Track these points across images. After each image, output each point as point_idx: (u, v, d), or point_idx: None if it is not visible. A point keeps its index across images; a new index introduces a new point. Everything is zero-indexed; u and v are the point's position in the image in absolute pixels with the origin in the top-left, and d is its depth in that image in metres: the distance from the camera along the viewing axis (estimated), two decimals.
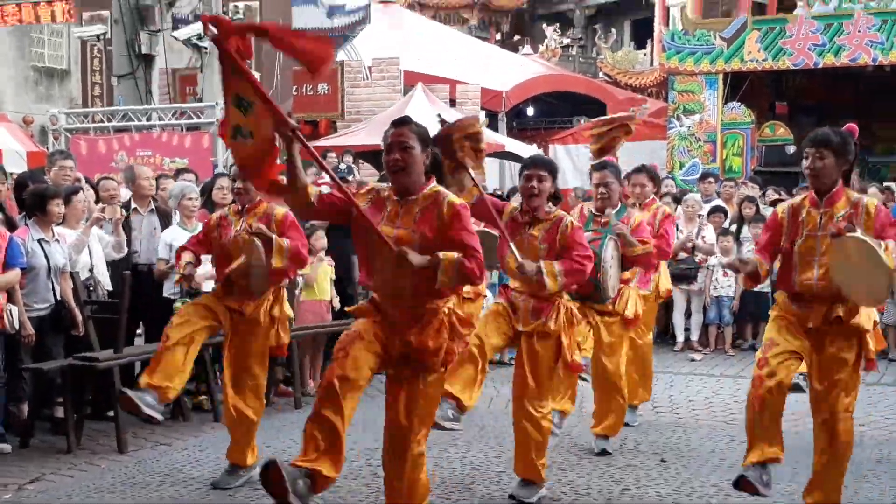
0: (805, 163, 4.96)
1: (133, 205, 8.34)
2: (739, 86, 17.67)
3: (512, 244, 5.36)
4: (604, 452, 6.58)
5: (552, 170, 5.66)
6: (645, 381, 7.64)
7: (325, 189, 4.41)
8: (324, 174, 4.91)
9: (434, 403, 4.59)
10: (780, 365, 4.86)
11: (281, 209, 6.02)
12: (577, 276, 5.41)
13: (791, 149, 17.68)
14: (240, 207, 6.16)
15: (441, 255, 4.21)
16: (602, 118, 8.12)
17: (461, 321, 4.47)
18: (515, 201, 6.26)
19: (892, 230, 4.89)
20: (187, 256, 6.20)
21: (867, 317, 4.96)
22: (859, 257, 4.64)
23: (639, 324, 6.95)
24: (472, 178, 5.38)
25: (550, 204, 5.57)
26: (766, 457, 4.90)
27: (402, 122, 4.45)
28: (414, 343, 4.34)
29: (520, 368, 5.57)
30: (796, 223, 5.00)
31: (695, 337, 11.11)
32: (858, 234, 4.71)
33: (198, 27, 13.79)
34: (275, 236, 5.78)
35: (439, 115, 6.05)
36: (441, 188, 4.45)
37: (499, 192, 12.84)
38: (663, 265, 7.82)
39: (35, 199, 7.08)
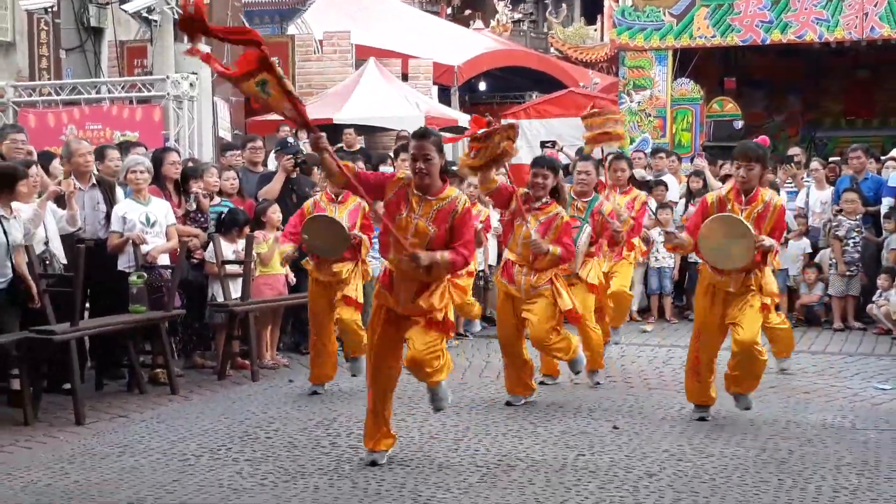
0: (739, 172, 6.40)
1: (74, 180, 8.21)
2: (689, 62, 17.82)
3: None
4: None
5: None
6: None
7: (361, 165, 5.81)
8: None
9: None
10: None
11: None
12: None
13: (739, 124, 17.86)
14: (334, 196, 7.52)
15: (438, 256, 5.32)
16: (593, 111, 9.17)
17: (458, 288, 5.84)
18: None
19: (777, 232, 6.51)
20: (288, 248, 7.64)
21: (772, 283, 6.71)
22: (724, 232, 6.30)
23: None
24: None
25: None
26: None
27: (423, 136, 5.43)
28: (424, 305, 5.46)
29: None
30: (723, 211, 6.40)
31: (634, 307, 11.31)
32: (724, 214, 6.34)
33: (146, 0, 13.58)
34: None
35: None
36: (457, 191, 5.57)
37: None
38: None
39: (4, 179, 7.00)
